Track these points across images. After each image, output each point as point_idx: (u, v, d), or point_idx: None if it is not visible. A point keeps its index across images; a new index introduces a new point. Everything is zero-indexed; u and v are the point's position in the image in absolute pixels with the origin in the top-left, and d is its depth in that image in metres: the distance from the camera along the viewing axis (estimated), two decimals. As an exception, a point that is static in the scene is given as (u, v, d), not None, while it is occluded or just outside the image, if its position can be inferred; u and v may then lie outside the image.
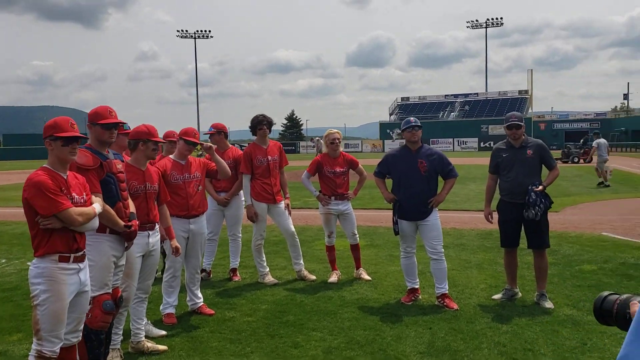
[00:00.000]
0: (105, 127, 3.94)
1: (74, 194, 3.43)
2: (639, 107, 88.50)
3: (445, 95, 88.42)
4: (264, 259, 6.86)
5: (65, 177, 3.45)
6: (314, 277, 6.86)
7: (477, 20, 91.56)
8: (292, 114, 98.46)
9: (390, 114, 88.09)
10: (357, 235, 6.93)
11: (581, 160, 34.00)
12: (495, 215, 6.01)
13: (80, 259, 3.48)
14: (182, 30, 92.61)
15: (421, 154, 5.78)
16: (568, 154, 35.14)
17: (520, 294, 5.97)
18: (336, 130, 6.99)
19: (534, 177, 5.72)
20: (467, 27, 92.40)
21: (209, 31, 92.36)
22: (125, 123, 4.44)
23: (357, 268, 6.95)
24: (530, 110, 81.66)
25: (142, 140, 4.58)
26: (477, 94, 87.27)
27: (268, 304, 5.89)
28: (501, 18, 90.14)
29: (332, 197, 6.75)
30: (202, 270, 6.95)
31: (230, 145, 7.12)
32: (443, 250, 5.83)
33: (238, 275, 7.04)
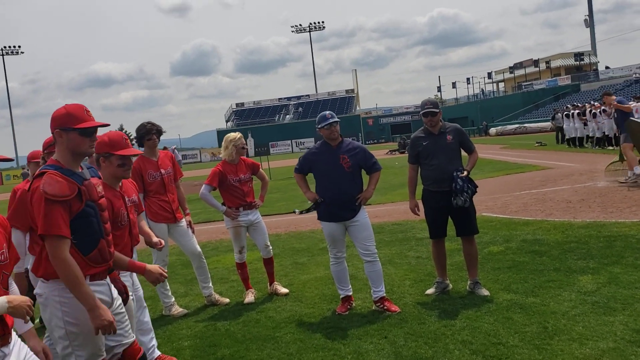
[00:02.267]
0: (84, 133, 2.90)
1: None
2: (451, 98, 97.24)
3: (279, 99, 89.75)
4: (169, 287, 5.93)
5: None
6: (227, 300, 6.09)
7: (300, 25, 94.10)
8: (121, 128, 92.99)
9: (227, 121, 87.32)
10: (271, 247, 6.29)
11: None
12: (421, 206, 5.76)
13: (4, 342, 2.42)
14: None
15: (343, 149, 5.33)
16: (404, 145, 37.26)
17: (451, 286, 5.78)
18: (238, 133, 6.31)
19: (456, 162, 5.55)
20: (292, 31, 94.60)
21: (19, 47, 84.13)
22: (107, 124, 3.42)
23: (271, 283, 6.32)
24: (358, 108, 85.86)
25: (102, 154, 3.62)
26: (308, 95, 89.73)
27: (190, 339, 5.03)
28: (323, 22, 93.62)
29: (240, 208, 6.05)
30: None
31: None
32: (376, 250, 5.43)
33: (137, 310, 6.03)
